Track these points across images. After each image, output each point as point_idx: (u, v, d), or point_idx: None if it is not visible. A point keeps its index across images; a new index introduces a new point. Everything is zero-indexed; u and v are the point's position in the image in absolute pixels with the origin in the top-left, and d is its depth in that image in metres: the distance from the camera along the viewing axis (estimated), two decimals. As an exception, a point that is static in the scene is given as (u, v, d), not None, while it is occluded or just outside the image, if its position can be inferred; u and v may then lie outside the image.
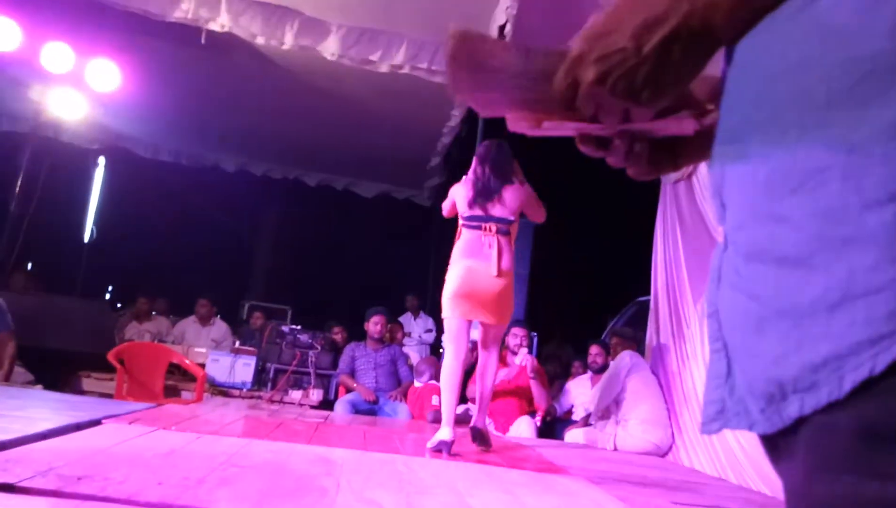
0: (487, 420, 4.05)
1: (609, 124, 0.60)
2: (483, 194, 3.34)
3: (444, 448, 3.07)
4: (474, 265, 3.27)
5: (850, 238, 0.41)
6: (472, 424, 3.45)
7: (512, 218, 3.37)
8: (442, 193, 8.42)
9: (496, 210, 3.34)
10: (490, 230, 3.30)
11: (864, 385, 0.39)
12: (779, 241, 0.45)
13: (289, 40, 4.78)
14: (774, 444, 0.47)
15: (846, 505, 0.40)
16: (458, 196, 3.43)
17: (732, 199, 0.50)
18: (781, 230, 0.44)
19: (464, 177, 3.49)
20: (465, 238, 3.36)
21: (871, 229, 0.40)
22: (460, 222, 3.43)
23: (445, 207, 3.53)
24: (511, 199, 3.36)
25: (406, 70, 4.84)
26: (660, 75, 0.53)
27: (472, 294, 3.27)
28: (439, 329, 6.29)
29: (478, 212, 3.35)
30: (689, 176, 4.55)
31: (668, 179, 4.93)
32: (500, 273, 3.26)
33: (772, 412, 0.44)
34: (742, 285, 0.48)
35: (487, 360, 3.49)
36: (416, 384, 5.17)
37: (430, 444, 3.11)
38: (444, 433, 3.09)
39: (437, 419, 4.61)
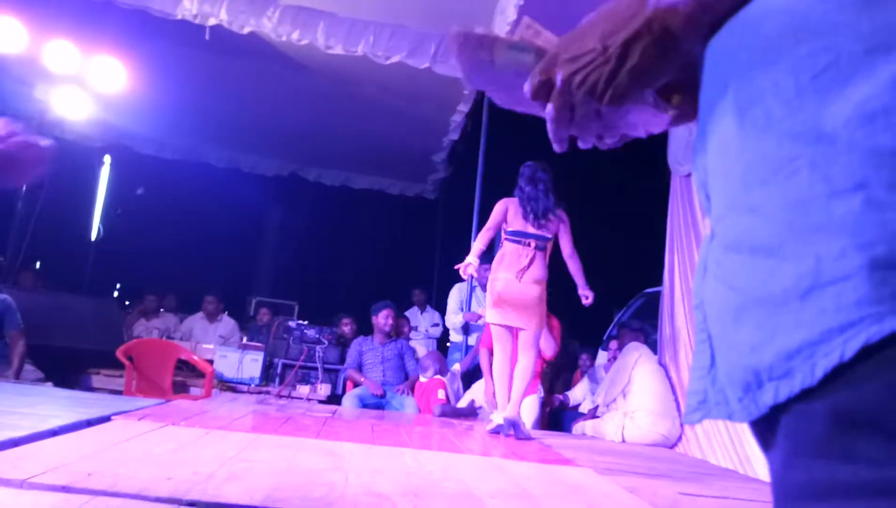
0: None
1: (582, 124, 0.63)
2: (538, 214, 3.72)
3: (501, 431, 3.63)
4: (510, 277, 3.69)
5: (818, 227, 0.41)
6: (506, 417, 3.70)
7: (550, 236, 3.78)
8: (447, 186, 8.45)
9: (540, 229, 3.74)
10: (529, 246, 3.72)
11: (835, 372, 0.40)
12: (752, 231, 0.45)
13: (294, 35, 4.78)
14: (760, 433, 0.47)
15: (821, 490, 0.40)
16: (510, 212, 3.76)
17: (715, 191, 0.51)
18: (755, 221, 0.45)
19: (515, 195, 3.81)
20: (506, 251, 3.75)
21: (839, 217, 0.41)
22: (503, 235, 3.79)
23: (495, 220, 3.80)
24: (554, 222, 3.78)
25: (410, 63, 4.83)
26: (621, 74, 0.56)
27: (507, 302, 3.69)
28: (445, 324, 6.30)
29: (523, 228, 3.73)
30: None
31: (678, 172, 4.91)
32: (532, 283, 3.69)
33: (749, 400, 0.45)
34: (722, 275, 0.48)
35: (522, 364, 3.78)
36: (422, 378, 5.18)
37: (488, 428, 3.72)
38: (499, 417, 3.67)
39: (444, 413, 4.63)
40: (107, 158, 8.23)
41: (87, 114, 6.45)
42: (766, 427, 0.45)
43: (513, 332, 3.81)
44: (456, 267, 3.82)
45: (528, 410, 4.65)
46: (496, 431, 3.67)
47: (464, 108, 6.03)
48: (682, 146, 4.79)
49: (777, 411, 0.43)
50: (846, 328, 0.39)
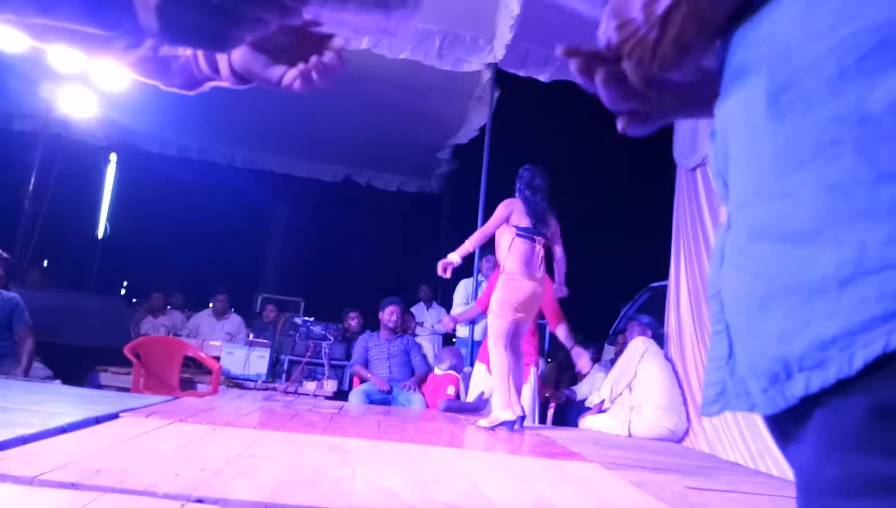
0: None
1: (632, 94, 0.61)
2: (541, 221, 3.91)
3: (508, 427, 3.70)
4: (534, 285, 3.83)
5: (863, 212, 0.40)
6: (520, 415, 3.78)
7: (548, 238, 3.97)
8: (452, 181, 8.44)
9: (544, 228, 3.94)
10: (539, 243, 3.89)
11: (876, 363, 0.38)
12: (784, 217, 0.44)
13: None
14: (781, 426, 0.46)
15: (859, 485, 0.39)
16: (515, 213, 3.88)
17: (736, 177, 0.50)
18: (788, 206, 0.43)
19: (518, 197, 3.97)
20: (521, 248, 3.85)
21: (886, 202, 0.39)
22: (514, 230, 3.88)
23: (498, 222, 3.90)
24: (551, 226, 3.99)
25: (415, 58, 4.82)
26: (664, 44, 0.54)
27: (526, 308, 3.86)
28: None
29: (531, 226, 3.89)
30: (705, 163, 4.52)
31: (683, 166, 4.89)
32: (541, 283, 3.89)
33: (775, 391, 0.43)
34: (746, 264, 0.47)
35: (519, 357, 3.94)
36: (437, 370, 5.18)
37: (492, 425, 3.71)
38: (508, 414, 3.71)
39: (449, 408, 4.64)
40: (113, 157, 8.25)
41: (93, 112, 6.46)
42: (790, 420, 0.44)
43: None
44: (440, 263, 3.89)
45: (528, 397, 4.68)
46: (509, 427, 3.72)
47: (468, 104, 6.02)
48: (687, 140, 4.77)
49: (807, 403, 0.42)
50: (890, 317, 0.38)
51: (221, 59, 0.71)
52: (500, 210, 3.91)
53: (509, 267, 3.85)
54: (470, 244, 3.91)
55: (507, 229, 3.91)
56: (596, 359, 6.28)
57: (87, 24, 0.60)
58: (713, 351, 0.51)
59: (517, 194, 3.96)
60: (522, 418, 3.80)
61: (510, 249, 3.87)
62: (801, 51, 0.45)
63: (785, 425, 0.45)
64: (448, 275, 3.95)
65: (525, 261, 3.84)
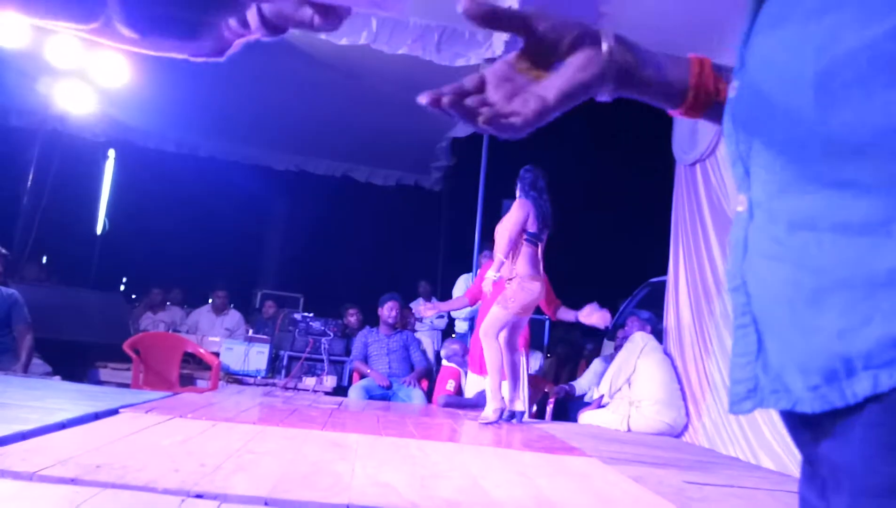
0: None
1: None
2: (546, 223, 3.95)
3: (508, 419, 3.81)
4: (540, 284, 3.90)
5: None
6: (517, 408, 3.91)
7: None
8: (450, 177, 8.43)
9: (548, 230, 4.00)
10: (543, 243, 3.96)
11: None
12: (840, 207, 0.41)
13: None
14: (819, 424, 0.44)
15: None
16: (531, 215, 3.90)
17: (768, 164, 0.47)
18: (844, 195, 0.41)
19: (531, 197, 3.97)
20: (530, 251, 3.89)
21: None
22: (524, 234, 3.90)
23: (521, 225, 3.89)
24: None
25: (413, 54, 4.81)
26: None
27: (533, 305, 3.98)
28: (451, 315, 6.30)
29: (539, 231, 3.93)
30: (704, 158, 4.51)
31: (682, 161, 4.89)
32: (544, 281, 3.99)
33: (830, 389, 0.41)
34: (787, 255, 0.44)
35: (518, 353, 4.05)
36: (444, 362, 5.19)
37: (490, 419, 3.75)
38: (514, 406, 3.84)
39: (448, 404, 4.64)
40: (111, 153, 8.24)
41: (91, 108, 6.45)
42: (836, 418, 0.42)
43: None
44: (492, 282, 3.90)
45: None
46: (508, 420, 3.82)
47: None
48: (686, 136, 4.77)
49: (866, 401, 0.40)
50: None
51: (250, 12, 0.65)
52: (520, 212, 3.89)
53: (522, 270, 3.86)
54: (502, 254, 3.88)
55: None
56: (595, 354, 6.29)
57: (67, 18, 0.57)
58: (739, 346, 0.49)
59: (522, 195, 3.95)
60: (511, 413, 3.86)
61: (521, 253, 3.89)
62: (855, 33, 0.42)
63: (827, 423, 0.43)
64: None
65: (534, 263, 3.90)
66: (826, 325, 0.41)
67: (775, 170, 0.46)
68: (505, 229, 3.89)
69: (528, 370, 4.85)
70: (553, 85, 0.58)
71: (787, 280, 0.44)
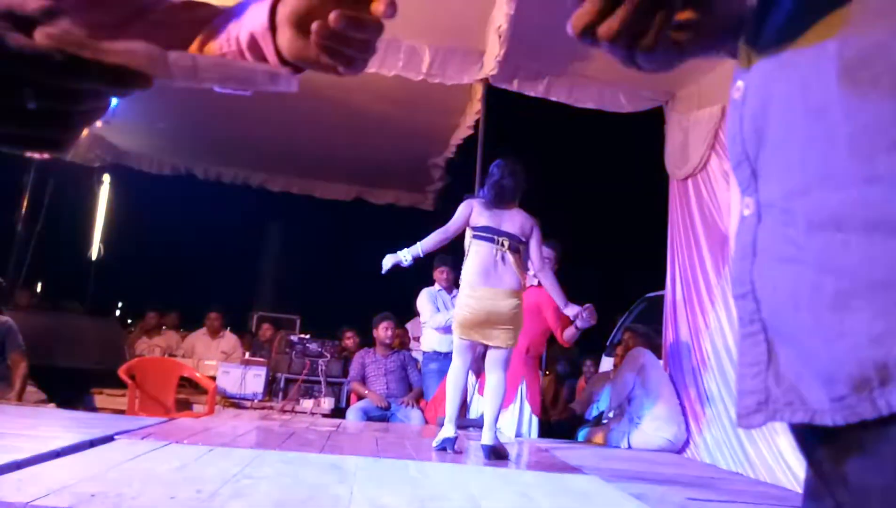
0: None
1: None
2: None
3: (448, 446, 3.16)
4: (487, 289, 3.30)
5: None
6: (483, 442, 3.21)
7: (522, 238, 3.39)
8: (445, 196, 8.45)
9: (507, 226, 3.38)
10: (503, 245, 3.34)
11: None
12: (871, 205, 0.38)
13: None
14: (835, 438, 0.40)
15: None
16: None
17: (783, 162, 0.44)
18: (876, 192, 0.38)
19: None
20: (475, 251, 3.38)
21: None
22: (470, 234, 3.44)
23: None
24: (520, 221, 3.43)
25: (405, 75, 4.84)
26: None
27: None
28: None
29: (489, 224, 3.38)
30: (696, 173, 4.54)
31: (675, 176, 4.91)
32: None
33: (860, 399, 0.38)
34: (806, 257, 0.41)
35: (494, 382, 3.39)
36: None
37: (434, 443, 3.22)
38: (449, 430, 3.20)
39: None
40: (106, 177, 8.24)
41: (86, 132, 6.46)
42: (865, 432, 0.38)
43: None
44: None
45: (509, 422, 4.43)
46: (442, 447, 3.17)
47: (461, 119, 6.05)
48: (678, 150, 4.80)
49: None
50: None
51: (266, 47, 0.61)
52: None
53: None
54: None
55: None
56: (593, 371, 6.26)
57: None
58: (746, 356, 0.45)
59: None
60: (488, 450, 3.15)
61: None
62: (883, 19, 0.40)
63: (851, 438, 0.39)
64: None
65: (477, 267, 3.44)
66: (855, 329, 0.38)
67: (793, 170, 0.43)
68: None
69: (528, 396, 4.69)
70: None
71: (806, 284, 0.41)
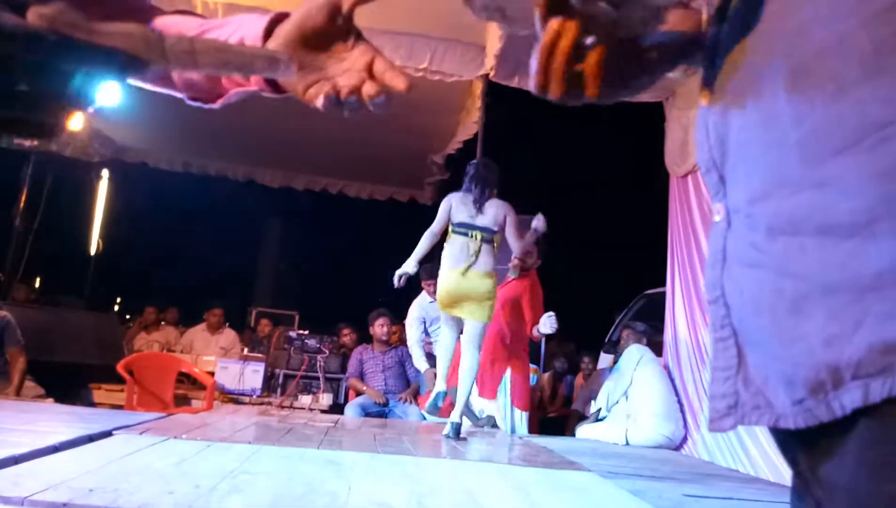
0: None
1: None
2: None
3: (439, 399, 3.81)
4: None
5: None
6: (451, 419, 3.67)
7: (496, 228, 3.80)
8: (444, 192, 8.45)
9: (480, 220, 3.80)
10: (476, 239, 3.80)
11: None
12: (822, 209, 0.39)
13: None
14: (812, 441, 0.40)
15: None
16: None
17: (744, 169, 0.45)
18: (826, 197, 0.39)
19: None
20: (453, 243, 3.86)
21: None
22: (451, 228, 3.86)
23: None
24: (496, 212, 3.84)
25: (408, 72, 4.83)
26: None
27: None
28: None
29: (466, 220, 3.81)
30: (696, 170, 4.54)
31: (675, 173, 4.91)
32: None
33: (816, 402, 0.38)
34: (767, 261, 0.42)
35: (467, 363, 3.80)
36: None
37: (427, 406, 3.88)
38: (440, 385, 3.82)
39: (431, 411, 4.57)
40: (105, 172, 8.23)
41: (84, 128, 6.45)
42: (828, 434, 0.38)
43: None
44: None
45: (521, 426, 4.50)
46: (435, 405, 3.87)
47: (459, 115, 6.04)
48: (677, 147, 4.80)
49: (857, 413, 0.37)
50: None
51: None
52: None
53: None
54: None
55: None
56: (592, 367, 6.27)
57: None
58: (718, 360, 0.46)
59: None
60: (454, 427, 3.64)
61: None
62: (822, 29, 0.40)
63: (819, 439, 0.40)
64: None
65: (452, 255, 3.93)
66: (810, 333, 0.39)
67: (752, 175, 0.44)
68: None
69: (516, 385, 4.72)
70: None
71: (768, 288, 0.42)
